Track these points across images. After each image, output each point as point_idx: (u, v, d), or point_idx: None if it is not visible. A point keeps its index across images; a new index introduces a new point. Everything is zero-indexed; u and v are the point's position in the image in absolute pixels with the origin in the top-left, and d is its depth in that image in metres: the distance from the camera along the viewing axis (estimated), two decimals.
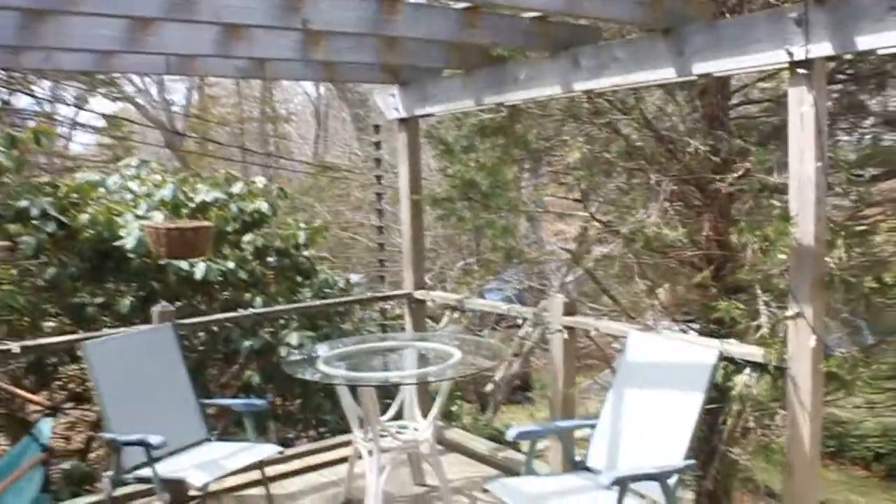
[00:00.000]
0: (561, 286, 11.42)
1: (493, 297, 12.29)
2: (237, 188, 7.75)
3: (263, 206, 7.68)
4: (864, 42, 3.46)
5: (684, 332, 5.94)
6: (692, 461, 3.87)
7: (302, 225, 8.09)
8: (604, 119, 5.83)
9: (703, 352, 4.07)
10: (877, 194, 5.01)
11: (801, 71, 3.68)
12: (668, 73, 4.27)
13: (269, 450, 4.83)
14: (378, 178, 9.62)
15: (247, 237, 7.54)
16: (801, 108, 3.73)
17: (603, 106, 5.82)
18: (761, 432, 4.25)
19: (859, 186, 4.63)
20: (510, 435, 4.21)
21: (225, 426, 6.09)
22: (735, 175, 5.00)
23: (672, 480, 3.72)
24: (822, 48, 3.58)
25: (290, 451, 6.00)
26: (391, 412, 5.46)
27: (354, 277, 12.78)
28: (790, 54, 3.67)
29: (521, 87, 5.20)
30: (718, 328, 5.12)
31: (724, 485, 5.55)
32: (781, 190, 5.01)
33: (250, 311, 6.18)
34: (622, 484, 3.58)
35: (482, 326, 11.76)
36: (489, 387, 12.65)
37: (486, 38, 4.66)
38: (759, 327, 4.54)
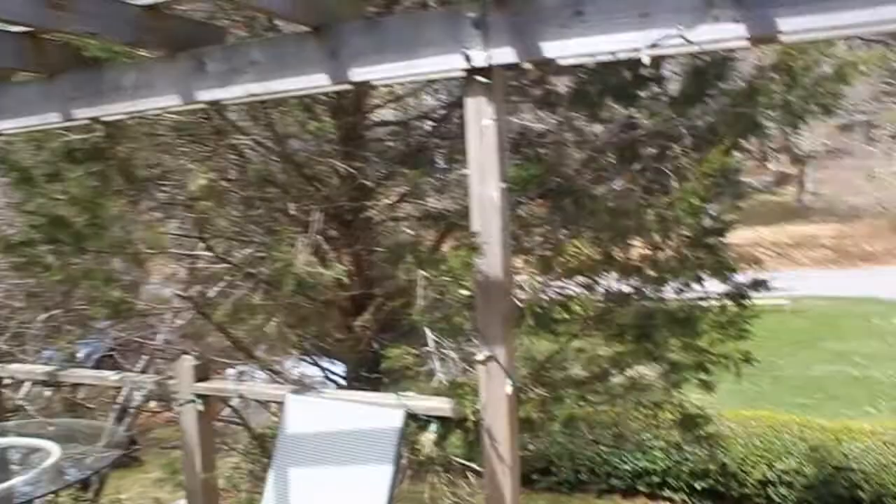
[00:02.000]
0: (166, 340, 10.04)
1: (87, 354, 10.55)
2: None
3: None
4: (550, 49, 3.08)
5: (333, 382, 5.25)
6: None
7: None
8: (227, 140, 4.93)
9: (386, 413, 3.40)
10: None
11: (480, 79, 3.20)
12: (319, 80, 3.53)
13: None
14: None
15: None
16: (482, 121, 3.24)
17: (225, 126, 4.93)
18: (452, 492, 3.68)
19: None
20: None
21: None
22: (390, 201, 4.44)
23: None
24: (504, 54, 3.13)
25: None
26: None
27: None
28: (468, 59, 3.16)
29: (127, 98, 4.07)
30: (379, 376, 4.52)
31: None
32: (442, 216, 4.59)
33: None
34: None
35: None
36: None
37: (80, 27, 3.51)
38: (429, 373, 4.02)
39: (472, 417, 3.33)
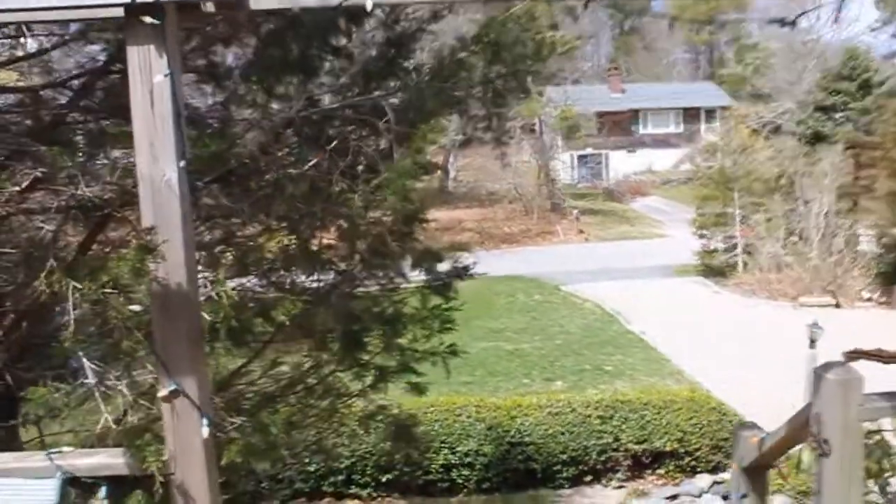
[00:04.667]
0: None
1: None
2: None
3: None
4: None
5: None
6: None
7: None
8: None
9: (31, 486, 2.43)
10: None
11: (147, 20, 2.36)
12: None
13: None
14: None
15: None
16: (152, 77, 2.41)
17: None
18: None
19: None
20: None
21: None
22: (18, 188, 3.37)
23: None
24: None
25: None
26: None
27: None
28: None
29: None
30: (16, 423, 3.44)
31: None
32: (96, 206, 3.59)
33: None
34: None
35: None
36: None
37: None
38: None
39: (157, 474, 2.49)
